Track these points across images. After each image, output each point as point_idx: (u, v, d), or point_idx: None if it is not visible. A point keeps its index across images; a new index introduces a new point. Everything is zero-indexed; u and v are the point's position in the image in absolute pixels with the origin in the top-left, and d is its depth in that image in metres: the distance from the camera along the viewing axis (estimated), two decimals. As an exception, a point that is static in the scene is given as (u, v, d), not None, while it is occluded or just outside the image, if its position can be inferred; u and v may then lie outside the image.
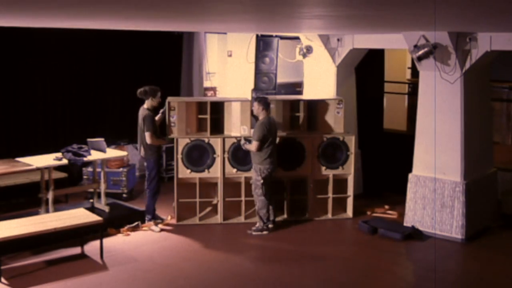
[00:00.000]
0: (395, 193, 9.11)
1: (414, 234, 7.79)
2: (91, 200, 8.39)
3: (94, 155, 8.00)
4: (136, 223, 7.93)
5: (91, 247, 7.17)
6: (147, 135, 7.75)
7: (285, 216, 8.43)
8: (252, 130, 8.03)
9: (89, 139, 8.19)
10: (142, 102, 7.95)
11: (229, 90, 11.23)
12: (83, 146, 7.99)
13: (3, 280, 6.29)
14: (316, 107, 8.67)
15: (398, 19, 5.36)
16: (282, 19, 5.45)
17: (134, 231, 7.83)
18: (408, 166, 8.13)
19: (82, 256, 7.03)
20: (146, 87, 7.89)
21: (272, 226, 7.97)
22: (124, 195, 9.19)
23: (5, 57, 8.85)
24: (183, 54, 11.08)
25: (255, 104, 7.87)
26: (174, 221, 8.19)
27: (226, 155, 8.15)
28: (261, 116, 7.79)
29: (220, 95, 11.29)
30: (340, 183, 8.58)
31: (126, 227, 7.83)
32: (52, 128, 9.43)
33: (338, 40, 9.12)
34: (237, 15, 5.11)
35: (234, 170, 8.21)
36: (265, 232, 7.86)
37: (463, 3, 3.78)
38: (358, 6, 4.06)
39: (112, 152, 8.39)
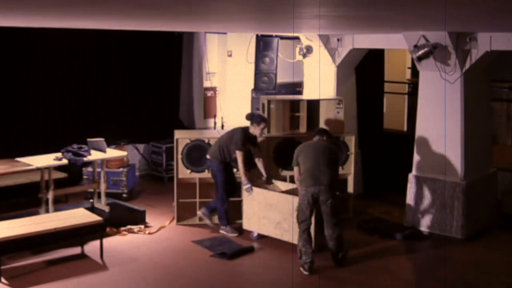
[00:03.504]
0: (395, 193, 9.11)
1: (414, 234, 7.79)
2: (91, 200, 8.39)
3: (94, 155, 8.00)
4: (138, 226, 7.91)
5: (91, 247, 7.17)
6: (238, 153, 7.47)
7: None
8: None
9: (89, 139, 8.19)
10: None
11: (229, 90, 11.24)
12: (83, 146, 7.99)
13: (3, 280, 6.29)
14: (316, 107, 8.66)
15: (398, 19, 5.37)
16: (282, 19, 5.45)
17: (130, 232, 7.80)
18: (408, 166, 8.13)
19: (82, 256, 7.02)
20: (255, 112, 7.63)
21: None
22: (124, 195, 9.18)
23: (5, 57, 8.85)
24: (183, 54, 11.08)
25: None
26: (174, 221, 8.19)
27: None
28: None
29: (220, 95, 11.29)
30: (340, 183, 8.55)
31: (127, 227, 7.82)
32: (52, 128, 9.43)
33: (338, 40, 9.13)
34: (237, 15, 5.11)
35: (234, 170, 8.20)
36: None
37: (463, 3, 3.78)
38: (358, 6, 4.06)
39: (112, 152, 8.39)
